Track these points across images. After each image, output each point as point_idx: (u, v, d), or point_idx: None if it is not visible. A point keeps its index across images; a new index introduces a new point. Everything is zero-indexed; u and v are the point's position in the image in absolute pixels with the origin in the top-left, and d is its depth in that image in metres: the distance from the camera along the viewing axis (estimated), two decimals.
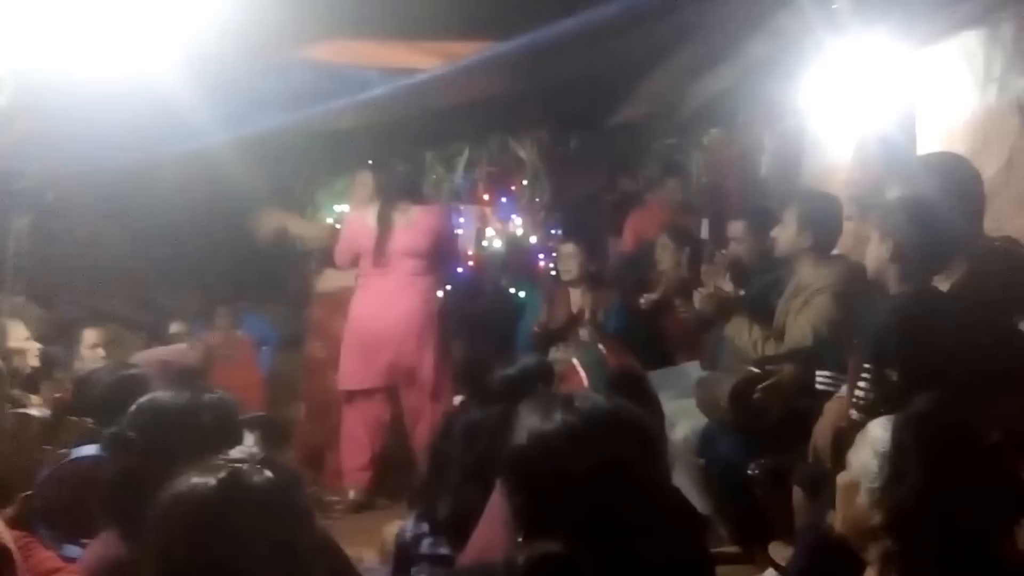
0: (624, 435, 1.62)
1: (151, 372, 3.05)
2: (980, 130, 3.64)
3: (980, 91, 3.68)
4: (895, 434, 1.69)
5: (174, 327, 5.07)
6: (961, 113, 3.78)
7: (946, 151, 3.32)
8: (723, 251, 4.47)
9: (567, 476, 1.57)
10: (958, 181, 2.70)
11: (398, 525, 2.76)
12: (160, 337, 5.00)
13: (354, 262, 4.97)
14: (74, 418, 2.93)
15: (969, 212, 2.60)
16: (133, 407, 2.29)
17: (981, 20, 3.64)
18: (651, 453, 1.66)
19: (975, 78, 3.72)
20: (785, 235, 3.77)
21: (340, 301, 5.09)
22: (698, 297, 4.11)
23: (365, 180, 5.17)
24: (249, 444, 2.01)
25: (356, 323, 4.89)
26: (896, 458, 1.67)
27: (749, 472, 3.19)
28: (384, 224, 4.83)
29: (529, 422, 1.66)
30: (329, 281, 5.41)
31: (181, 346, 4.11)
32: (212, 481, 1.58)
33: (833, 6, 3.74)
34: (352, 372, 4.89)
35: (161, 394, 2.32)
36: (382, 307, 4.83)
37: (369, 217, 4.90)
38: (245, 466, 1.62)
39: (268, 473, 1.61)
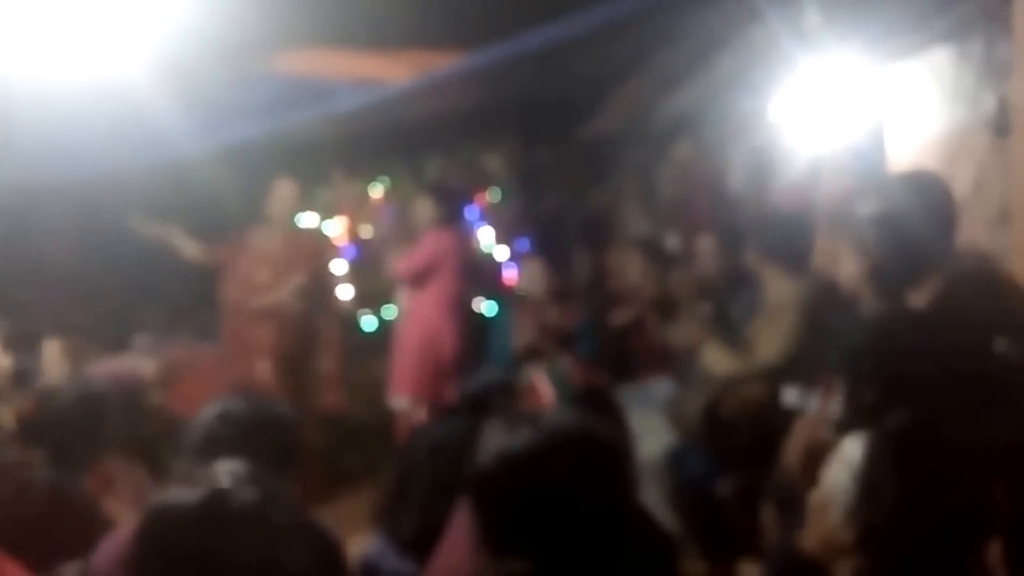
0: (590, 453, 1.59)
1: (105, 385, 2.97)
2: (949, 147, 3.65)
3: (949, 108, 3.69)
4: (868, 451, 1.67)
5: (139, 340, 4.98)
6: (930, 130, 3.79)
7: (918, 168, 3.32)
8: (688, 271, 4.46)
9: (532, 494, 1.55)
10: (931, 198, 2.69)
11: (363, 542, 2.71)
12: (124, 349, 4.91)
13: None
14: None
15: (942, 228, 2.59)
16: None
17: (951, 37, 3.65)
18: (618, 471, 1.63)
19: (944, 95, 3.73)
20: (753, 255, 3.78)
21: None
22: (673, 334, 4.10)
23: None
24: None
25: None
26: (868, 475, 1.64)
27: (718, 490, 3.17)
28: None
29: (494, 439, 1.63)
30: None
31: (136, 359, 4.03)
32: (195, 498, 1.56)
33: (803, 21, 3.75)
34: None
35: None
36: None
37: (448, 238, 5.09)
38: (230, 483, 1.60)
39: (253, 491, 1.59)
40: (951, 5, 3.42)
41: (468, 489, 1.66)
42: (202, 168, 4.56)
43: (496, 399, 2.57)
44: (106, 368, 3.52)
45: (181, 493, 1.58)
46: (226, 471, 1.66)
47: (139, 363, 3.83)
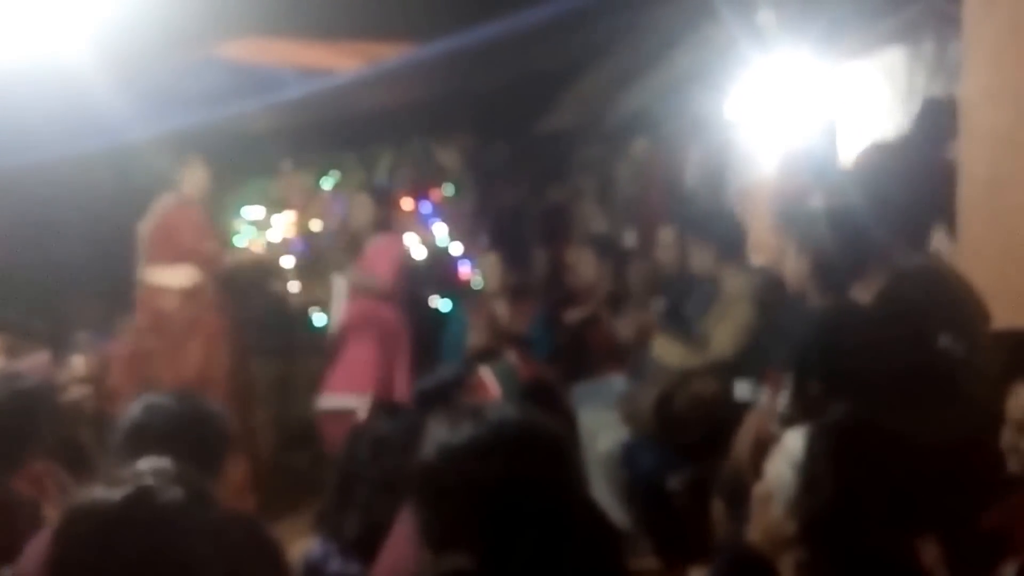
0: (534, 447, 1.56)
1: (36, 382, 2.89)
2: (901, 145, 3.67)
3: (902, 106, 3.72)
4: (809, 443, 1.65)
5: (75, 336, 4.84)
6: (883, 127, 3.82)
7: (869, 165, 3.34)
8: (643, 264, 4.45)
9: (475, 490, 1.52)
10: (880, 192, 2.70)
11: (306, 544, 2.65)
12: (60, 346, 4.77)
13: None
14: None
15: (889, 224, 2.59)
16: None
17: (903, 37, 3.68)
18: (563, 465, 1.60)
19: (897, 93, 3.76)
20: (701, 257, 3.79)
21: None
22: (623, 326, 4.09)
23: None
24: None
25: None
26: (810, 467, 1.63)
27: (671, 486, 3.16)
28: None
29: (436, 435, 1.59)
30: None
31: (38, 358, 3.92)
32: (116, 496, 1.53)
33: (757, 20, 3.75)
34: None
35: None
36: None
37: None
38: (154, 482, 1.57)
39: (178, 489, 1.57)
40: (903, 5, 3.44)
41: (410, 486, 1.63)
42: (144, 156, 4.44)
43: (447, 396, 2.52)
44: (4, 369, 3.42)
45: (102, 492, 1.55)
46: (150, 469, 1.63)
47: (38, 366, 3.72)
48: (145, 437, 2.22)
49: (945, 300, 2.37)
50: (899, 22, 3.69)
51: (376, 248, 4.97)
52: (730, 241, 3.76)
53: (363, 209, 5.03)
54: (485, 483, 1.51)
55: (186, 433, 2.25)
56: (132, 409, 2.33)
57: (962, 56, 3.07)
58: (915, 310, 2.34)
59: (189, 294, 4.47)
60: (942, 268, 2.57)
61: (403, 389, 4.73)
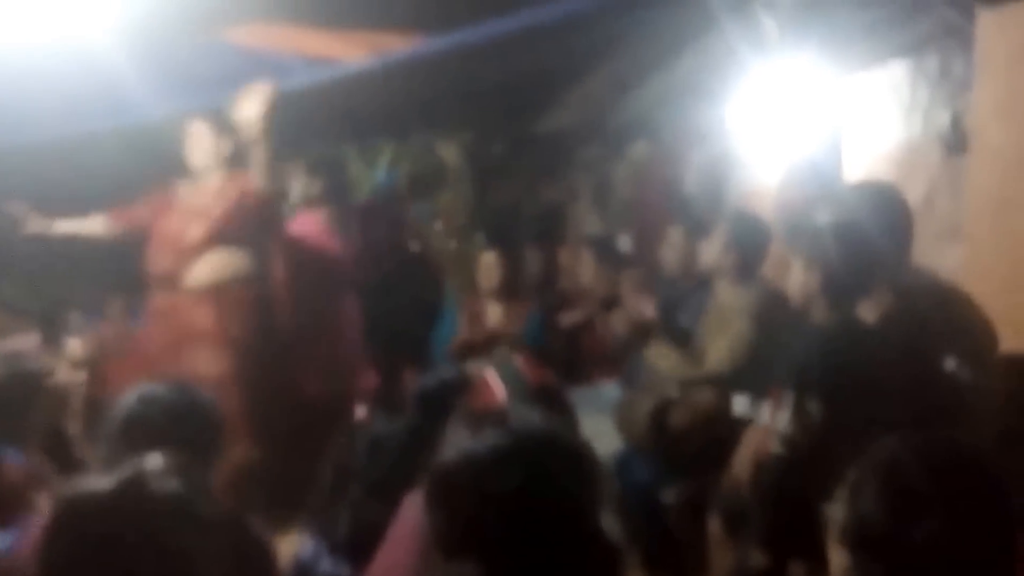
0: (557, 462, 1.55)
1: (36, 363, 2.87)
2: (903, 160, 3.68)
3: (905, 121, 3.72)
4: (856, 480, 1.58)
5: (67, 317, 4.79)
6: (886, 141, 3.82)
7: (875, 179, 3.32)
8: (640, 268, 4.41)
9: (493, 499, 1.51)
10: (887, 210, 2.68)
11: (296, 542, 2.62)
12: (52, 326, 4.72)
13: None
14: None
15: (897, 241, 2.57)
16: None
17: (908, 51, 3.67)
18: (584, 482, 1.59)
19: (900, 108, 3.75)
20: (711, 251, 3.75)
21: None
22: (617, 320, 4.05)
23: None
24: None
25: None
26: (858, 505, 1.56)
27: (665, 499, 3.14)
28: None
29: (458, 439, 1.58)
30: None
31: (27, 340, 3.87)
32: (110, 486, 1.55)
33: (759, 29, 3.74)
34: None
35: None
36: None
37: None
38: (149, 472, 1.59)
39: (172, 481, 1.58)
40: (911, 20, 3.43)
41: (427, 487, 1.62)
42: (152, 137, 4.38)
43: (448, 398, 2.50)
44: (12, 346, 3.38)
45: (96, 482, 1.57)
46: (145, 462, 1.63)
47: (27, 352, 3.67)
48: (140, 428, 2.23)
49: (952, 322, 2.35)
50: (905, 36, 3.68)
51: None
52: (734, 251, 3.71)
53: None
54: (504, 494, 1.50)
55: (181, 424, 2.26)
56: (127, 399, 2.32)
57: (974, 74, 3.07)
58: (921, 331, 2.32)
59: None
60: (950, 289, 2.55)
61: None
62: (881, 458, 1.54)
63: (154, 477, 1.57)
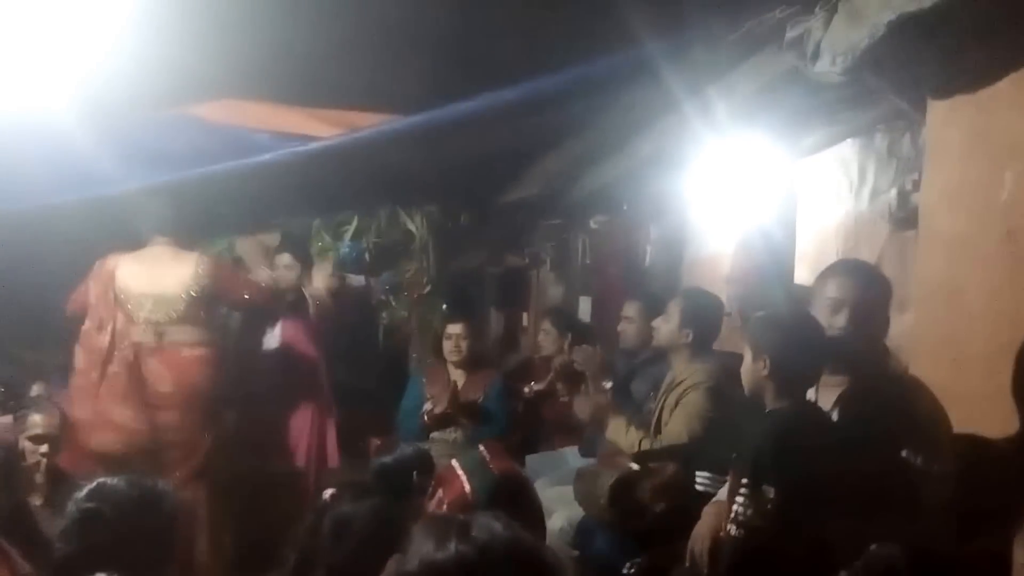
0: (520, 571, 1.57)
1: None
2: (852, 233, 3.78)
3: (854, 196, 3.83)
4: None
5: (35, 389, 4.74)
6: (836, 215, 3.93)
7: (856, 258, 3.39)
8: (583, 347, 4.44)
9: None
10: (868, 286, 2.72)
11: None
12: (18, 395, 4.67)
13: None
14: None
15: (861, 321, 2.62)
16: None
17: (857, 132, 3.81)
18: None
19: (850, 183, 3.87)
20: (666, 328, 3.85)
21: None
22: (579, 408, 4.11)
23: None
24: None
25: None
26: None
27: (625, 571, 3.16)
28: None
29: (422, 548, 1.59)
30: None
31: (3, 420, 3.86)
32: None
33: (715, 112, 3.86)
34: None
35: None
36: None
37: None
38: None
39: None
40: (860, 105, 3.56)
41: None
42: (116, 210, 4.41)
43: (409, 475, 2.53)
44: None
45: None
46: None
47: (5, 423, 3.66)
48: (96, 523, 2.24)
49: (906, 406, 2.41)
50: (855, 119, 3.82)
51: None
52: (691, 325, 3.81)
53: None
54: None
55: (137, 518, 2.28)
56: (82, 493, 2.33)
57: (920, 154, 3.16)
58: (875, 416, 2.38)
59: None
60: (902, 374, 2.62)
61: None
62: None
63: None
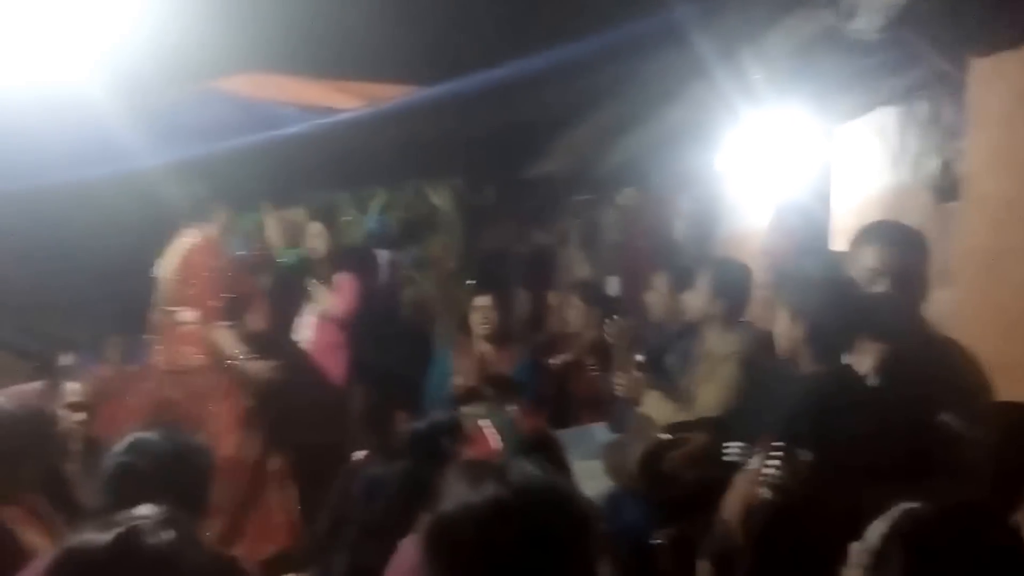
0: (556, 516, 1.57)
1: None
2: (893, 206, 3.69)
3: (893, 167, 3.74)
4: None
5: (64, 359, 4.79)
6: (874, 187, 3.85)
7: (892, 220, 3.31)
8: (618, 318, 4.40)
9: (491, 551, 1.53)
10: (908, 251, 2.65)
11: None
12: (49, 367, 4.72)
13: None
14: None
15: (900, 287, 2.56)
16: None
17: (897, 99, 3.72)
18: (581, 532, 1.60)
19: (890, 154, 3.78)
20: (697, 300, 3.79)
21: None
22: (616, 386, 4.07)
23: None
24: None
25: None
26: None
27: (654, 541, 3.13)
28: None
29: (457, 490, 1.59)
30: None
31: (31, 387, 3.88)
32: (106, 539, 1.57)
33: (749, 78, 3.79)
34: None
35: None
36: None
37: None
38: (144, 524, 1.61)
39: (166, 532, 1.61)
40: (900, 68, 3.47)
41: (427, 537, 1.63)
42: (144, 184, 4.43)
43: (443, 442, 2.52)
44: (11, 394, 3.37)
45: (93, 534, 1.59)
46: (140, 513, 1.66)
47: (33, 393, 3.68)
48: (132, 476, 2.24)
49: (945, 371, 2.35)
50: (895, 84, 3.74)
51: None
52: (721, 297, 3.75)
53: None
54: (502, 545, 1.51)
55: (172, 471, 2.28)
56: (118, 447, 2.34)
57: (963, 120, 3.08)
58: (913, 380, 2.33)
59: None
60: (943, 338, 2.56)
61: None
62: (908, 529, 1.48)
63: (147, 530, 1.60)
